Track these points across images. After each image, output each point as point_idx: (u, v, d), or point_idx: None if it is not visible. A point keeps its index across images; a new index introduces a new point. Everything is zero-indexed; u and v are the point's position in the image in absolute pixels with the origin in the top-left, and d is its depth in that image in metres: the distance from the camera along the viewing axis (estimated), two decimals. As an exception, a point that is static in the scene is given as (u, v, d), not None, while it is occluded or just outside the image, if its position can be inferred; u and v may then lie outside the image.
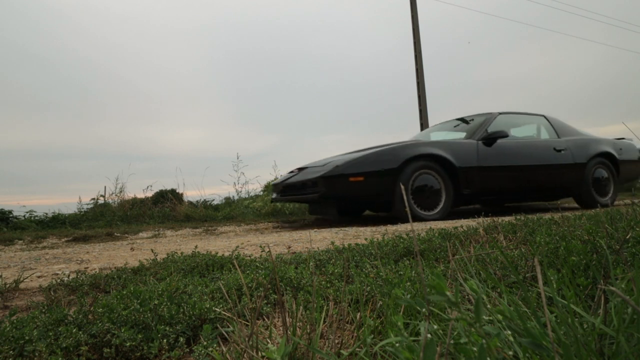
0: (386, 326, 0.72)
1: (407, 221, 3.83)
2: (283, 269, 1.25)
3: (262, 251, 2.01)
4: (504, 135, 4.42)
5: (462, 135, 4.73)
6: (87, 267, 1.93)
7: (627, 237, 1.05)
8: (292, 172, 4.72)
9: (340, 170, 3.80)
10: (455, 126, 5.11)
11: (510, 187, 4.52)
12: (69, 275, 1.61)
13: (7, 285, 1.41)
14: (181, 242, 3.17)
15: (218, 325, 0.92)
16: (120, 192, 6.48)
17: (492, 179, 4.34)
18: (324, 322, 0.81)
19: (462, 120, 5.08)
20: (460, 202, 4.38)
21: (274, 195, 4.75)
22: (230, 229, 4.55)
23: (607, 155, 5.19)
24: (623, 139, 5.80)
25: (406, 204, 0.49)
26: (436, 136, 5.48)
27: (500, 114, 4.89)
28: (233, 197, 7.46)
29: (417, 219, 3.89)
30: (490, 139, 4.42)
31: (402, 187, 0.64)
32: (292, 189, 4.39)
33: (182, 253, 1.79)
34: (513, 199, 5.00)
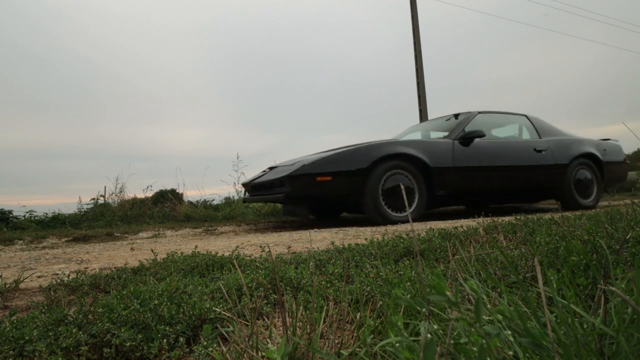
0: (386, 326, 0.72)
1: (378, 223, 3.73)
2: (283, 269, 1.25)
3: (262, 251, 2.01)
4: (480, 134, 4.29)
5: (443, 134, 4.61)
6: (87, 267, 1.93)
7: (627, 237, 1.05)
8: (264, 171, 4.61)
9: (307, 170, 3.68)
10: (447, 120, 4.98)
11: (487, 188, 4.40)
12: (69, 275, 1.61)
13: (7, 285, 1.41)
14: (181, 242, 3.17)
15: (218, 325, 0.92)
16: (120, 192, 6.48)
17: (468, 179, 4.23)
18: (324, 322, 0.81)
19: (455, 116, 4.97)
20: (436, 203, 4.25)
21: (245, 195, 4.62)
22: (230, 229, 4.55)
23: (590, 156, 5.08)
24: (609, 139, 5.68)
25: (405, 203, 0.49)
26: (418, 135, 5.31)
27: (479, 113, 4.78)
28: (233, 197, 7.45)
29: (387, 221, 3.74)
30: (466, 139, 4.30)
31: (403, 187, 0.63)
32: (260, 188, 4.26)
33: (182, 253, 1.79)
34: (491, 201, 4.87)
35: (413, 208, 3.90)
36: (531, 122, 5.12)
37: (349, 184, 3.74)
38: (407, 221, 3.78)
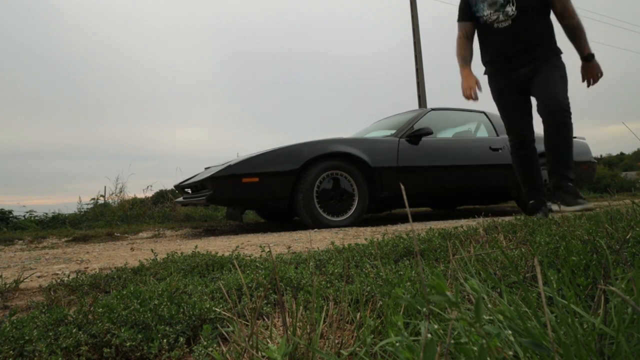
0: (386, 326, 0.72)
1: (310, 227, 3.49)
2: (283, 269, 1.25)
3: (262, 251, 2.01)
4: (428, 132, 4.03)
5: (390, 132, 4.34)
6: (87, 267, 1.93)
7: (627, 237, 1.05)
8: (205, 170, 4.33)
9: (232, 170, 3.38)
10: (404, 116, 4.73)
11: (438, 189, 4.18)
12: (69, 275, 1.61)
13: (7, 285, 1.41)
14: (181, 242, 3.16)
15: (218, 325, 0.92)
16: (120, 192, 6.49)
17: (415, 180, 4.02)
18: (324, 322, 0.81)
19: (412, 113, 4.73)
20: (381, 206, 4.04)
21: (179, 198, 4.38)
22: (230, 228, 4.55)
23: None
24: (575, 137, 5.36)
25: (405, 202, 0.49)
26: (380, 132, 4.93)
27: (432, 109, 4.60)
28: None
29: (321, 225, 3.48)
30: (414, 137, 4.07)
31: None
32: (191, 190, 4.03)
33: (182, 253, 1.79)
34: (443, 202, 4.58)
35: (352, 212, 3.66)
36: (489, 120, 4.87)
37: (279, 186, 3.47)
38: (344, 225, 3.59)
